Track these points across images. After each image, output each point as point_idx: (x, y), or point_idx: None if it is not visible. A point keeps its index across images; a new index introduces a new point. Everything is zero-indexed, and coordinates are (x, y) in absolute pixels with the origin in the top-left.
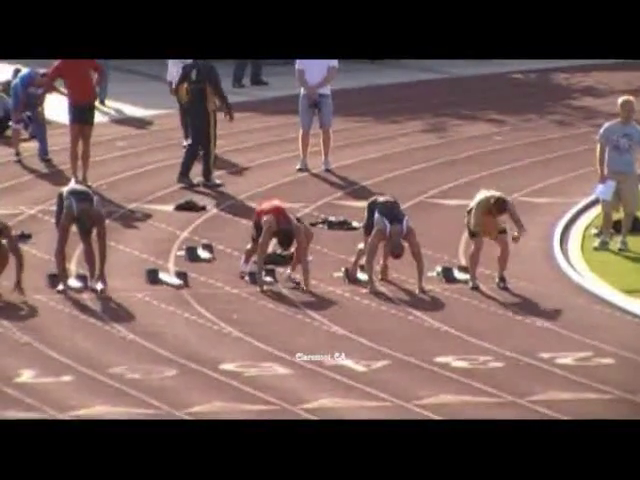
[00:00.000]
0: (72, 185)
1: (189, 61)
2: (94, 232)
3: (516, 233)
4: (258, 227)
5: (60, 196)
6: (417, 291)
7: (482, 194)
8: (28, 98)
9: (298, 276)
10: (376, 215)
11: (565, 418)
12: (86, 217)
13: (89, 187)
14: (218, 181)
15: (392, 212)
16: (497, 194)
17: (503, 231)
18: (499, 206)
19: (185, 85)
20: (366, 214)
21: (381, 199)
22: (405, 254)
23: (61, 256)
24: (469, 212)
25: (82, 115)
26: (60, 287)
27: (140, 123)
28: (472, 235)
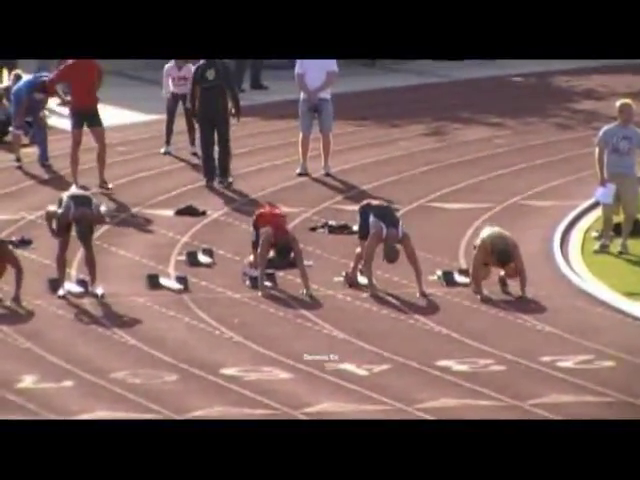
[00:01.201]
0: (73, 190)
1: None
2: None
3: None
4: (257, 229)
5: (60, 201)
6: (418, 295)
7: (486, 232)
8: (31, 103)
9: (315, 286)
10: (371, 219)
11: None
12: (84, 221)
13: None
14: (230, 179)
15: (387, 216)
16: (500, 246)
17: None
18: (501, 260)
19: (198, 86)
20: (359, 219)
21: (374, 203)
22: (401, 257)
23: (61, 261)
24: (475, 247)
25: (86, 120)
26: (60, 292)
27: (140, 128)
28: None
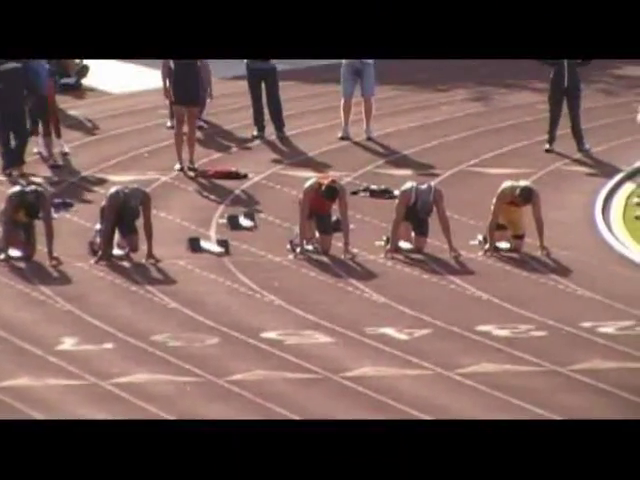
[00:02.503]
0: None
1: None
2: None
3: (538, 243)
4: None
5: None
6: (449, 254)
7: (508, 182)
8: None
9: (355, 251)
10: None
11: (606, 388)
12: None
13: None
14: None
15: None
16: (523, 183)
17: (521, 237)
18: (524, 196)
19: None
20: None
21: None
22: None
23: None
24: (495, 204)
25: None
26: (1, 256)
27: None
28: (498, 228)
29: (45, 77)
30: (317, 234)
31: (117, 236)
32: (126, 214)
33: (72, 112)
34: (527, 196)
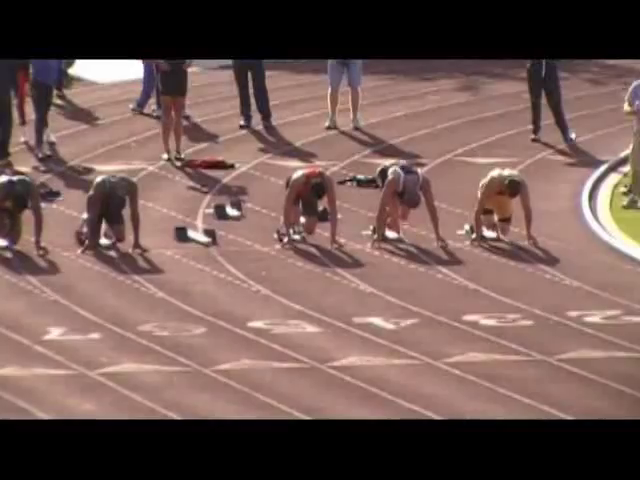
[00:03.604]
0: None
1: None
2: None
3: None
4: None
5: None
6: (436, 243)
7: (496, 172)
8: None
9: (343, 241)
10: (391, 168)
11: (593, 377)
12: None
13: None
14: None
15: (405, 166)
16: (511, 174)
17: (507, 219)
18: (512, 188)
19: None
20: (379, 179)
21: (392, 161)
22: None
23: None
24: (482, 187)
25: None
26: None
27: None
28: (484, 212)
29: (54, 68)
30: (302, 219)
31: (104, 226)
32: (112, 203)
33: (59, 101)
34: (515, 189)
